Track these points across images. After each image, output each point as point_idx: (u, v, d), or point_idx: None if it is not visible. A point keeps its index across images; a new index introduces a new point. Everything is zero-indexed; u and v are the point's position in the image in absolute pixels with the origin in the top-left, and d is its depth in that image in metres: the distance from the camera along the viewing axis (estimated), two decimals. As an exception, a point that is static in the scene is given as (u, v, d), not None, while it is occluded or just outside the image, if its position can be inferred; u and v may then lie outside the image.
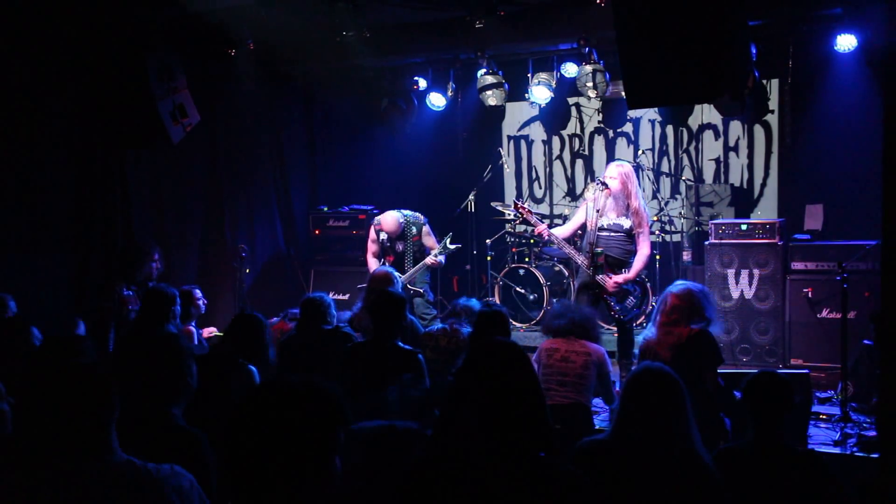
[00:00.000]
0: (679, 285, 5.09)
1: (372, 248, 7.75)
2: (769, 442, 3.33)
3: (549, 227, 7.21)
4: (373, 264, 7.71)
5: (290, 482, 1.79)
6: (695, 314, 4.89)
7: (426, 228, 7.61)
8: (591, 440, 3.11)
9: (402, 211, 7.62)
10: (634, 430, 2.99)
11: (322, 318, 5.34)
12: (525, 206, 7.15)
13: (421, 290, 7.38)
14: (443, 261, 7.48)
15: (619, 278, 6.55)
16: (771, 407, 3.35)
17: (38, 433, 2.30)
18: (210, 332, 6.70)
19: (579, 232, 7.03)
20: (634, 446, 2.96)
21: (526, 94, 8.83)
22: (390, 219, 7.51)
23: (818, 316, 7.24)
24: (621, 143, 9.57)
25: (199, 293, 6.30)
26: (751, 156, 8.97)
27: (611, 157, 9.29)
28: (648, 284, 7.39)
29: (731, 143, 9.06)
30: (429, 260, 7.38)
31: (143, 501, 2.30)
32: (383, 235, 7.61)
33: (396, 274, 6.40)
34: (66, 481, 2.27)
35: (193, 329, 6.15)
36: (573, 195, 9.81)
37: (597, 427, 5.20)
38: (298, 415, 1.80)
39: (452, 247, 7.40)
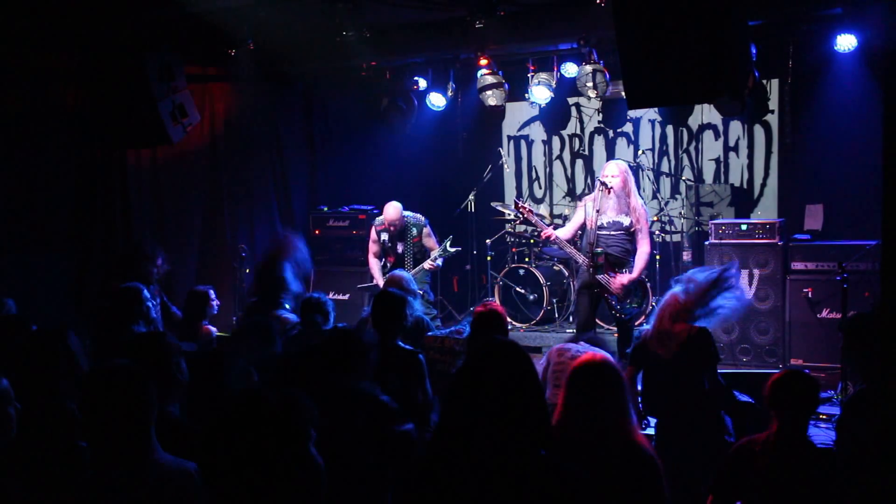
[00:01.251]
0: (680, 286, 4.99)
1: (372, 248, 7.76)
2: (792, 438, 3.39)
3: (548, 226, 7.22)
4: (373, 264, 7.72)
5: (261, 486, 1.90)
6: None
7: (427, 230, 7.62)
8: None
9: (404, 212, 7.63)
10: (571, 420, 3.02)
11: (321, 319, 5.34)
12: (526, 205, 7.15)
13: (421, 291, 7.38)
14: (440, 264, 7.49)
15: (625, 279, 6.53)
16: (798, 405, 3.41)
17: (86, 437, 2.31)
18: (207, 331, 6.75)
19: (579, 232, 7.03)
20: (572, 437, 2.98)
21: (526, 94, 8.83)
22: (392, 209, 7.52)
23: (818, 316, 7.24)
24: (621, 143, 9.57)
25: (213, 294, 6.41)
26: (751, 156, 8.97)
27: (611, 157, 9.27)
28: (648, 284, 7.39)
29: (731, 143, 9.05)
30: (427, 264, 7.41)
31: (190, 498, 2.33)
32: (384, 236, 7.62)
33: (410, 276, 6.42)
34: (116, 483, 2.28)
35: (211, 328, 6.32)
36: (573, 195, 9.81)
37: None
38: (269, 428, 1.92)
39: (452, 249, 7.41)
